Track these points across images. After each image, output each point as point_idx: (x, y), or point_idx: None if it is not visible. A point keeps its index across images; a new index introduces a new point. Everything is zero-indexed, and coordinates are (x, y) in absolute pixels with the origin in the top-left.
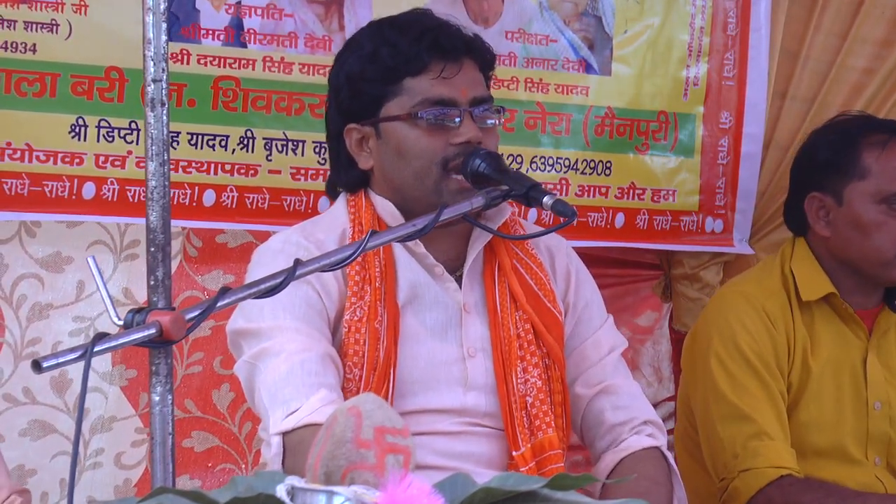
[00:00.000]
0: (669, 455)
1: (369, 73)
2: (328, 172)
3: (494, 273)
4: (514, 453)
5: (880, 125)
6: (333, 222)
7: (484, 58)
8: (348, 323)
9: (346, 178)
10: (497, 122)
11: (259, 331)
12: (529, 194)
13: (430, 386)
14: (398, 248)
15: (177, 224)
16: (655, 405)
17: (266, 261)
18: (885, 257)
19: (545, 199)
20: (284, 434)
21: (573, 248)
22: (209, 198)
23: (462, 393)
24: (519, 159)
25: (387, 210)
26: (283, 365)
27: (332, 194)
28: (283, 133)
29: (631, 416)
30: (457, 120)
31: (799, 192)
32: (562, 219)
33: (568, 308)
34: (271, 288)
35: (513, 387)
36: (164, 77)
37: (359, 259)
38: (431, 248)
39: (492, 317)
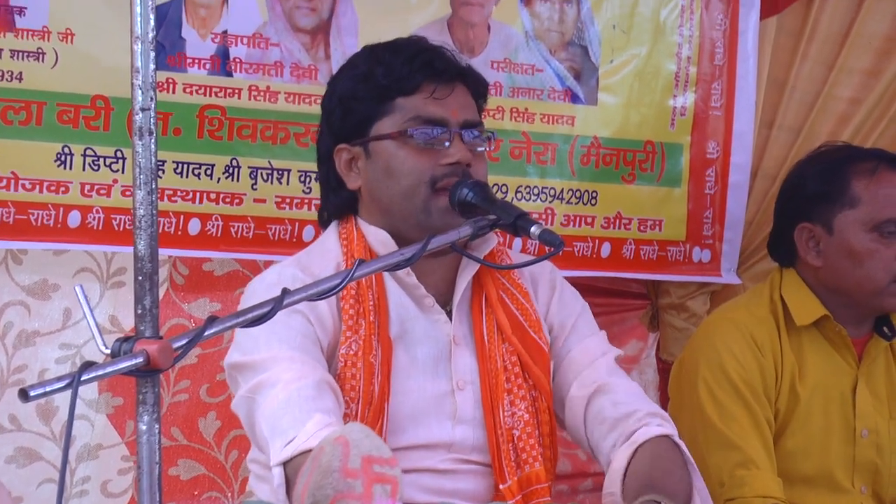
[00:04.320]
0: (682, 444)
1: (361, 93)
2: (318, 201)
3: (482, 305)
4: (500, 486)
5: (866, 154)
6: (327, 255)
7: (476, 86)
8: (344, 357)
9: (335, 200)
10: (486, 148)
11: (254, 363)
12: (517, 223)
13: (420, 421)
14: (389, 280)
15: (162, 253)
16: None
17: (260, 293)
18: (877, 285)
19: (532, 229)
20: (284, 464)
21: None
22: (194, 226)
23: (451, 426)
24: (504, 189)
25: (379, 239)
26: (281, 394)
27: (323, 224)
28: (269, 162)
29: (633, 408)
30: (446, 142)
31: (787, 224)
32: (548, 248)
33: (553, 327)
34: (259, 317)
35: (500, 419)
36: (152, 106)
37: (353, 293)
38: (423, 280)
39: (479, 349)
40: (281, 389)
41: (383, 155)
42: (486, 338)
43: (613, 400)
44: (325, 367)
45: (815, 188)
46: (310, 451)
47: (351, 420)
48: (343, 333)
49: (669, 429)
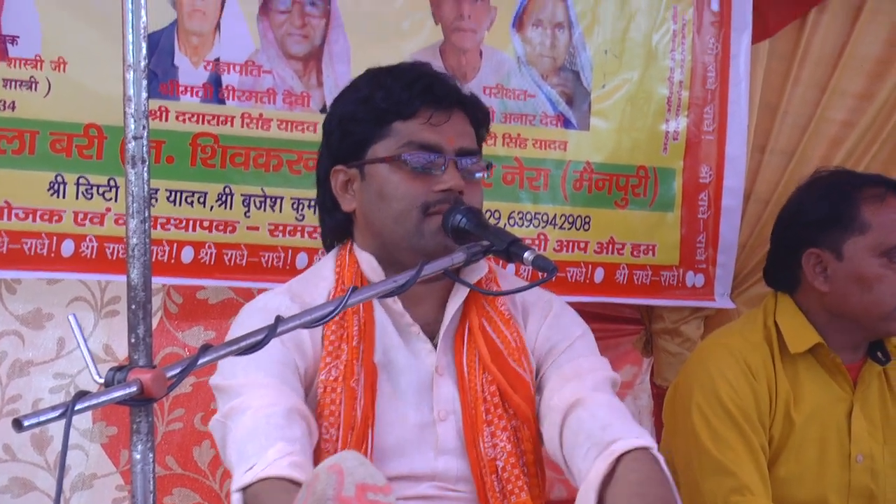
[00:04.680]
0: (661, 458)
1: (360, 115)
2: (311, 228)
3: (465, 334)
4: None
5: (870, 179)
6: (320, 283)
7: (476, 114)
8: (324, 383)
9: (330, 222)
10: (484, 176)
11: (230, 388)
12: (510, 249)
13: (404, 451)
14: (376, 306)
15: (156, 281)
16: None
17: (246, 320)
18: (885, 310)
19: (525, 255)
20: (244, 490)
21: None
22: (188, 254)
23: (433, 457)
24: (497, 214)
25: (370, 266)
26: (249, 421)
27: (327, 248)
28: (262, 189)
29: (611, 421)
30: (441, 168)
31: (789, 250)
32: (541, 274)
33: (544, 350)
34: (252, 345)
35: (481, 450)
36: (145, 134)
37: (336, 318)
38: (410, 309)
39: (460, 379)
40: (250, 416)
41: (377, 178)
42: (465, 368)
43: (592, 412)
44: (300, 395)
45: (821, 214)
46: (267, 479)
47: (332, 446)
48: (322, 359)
49: (648, 440)
